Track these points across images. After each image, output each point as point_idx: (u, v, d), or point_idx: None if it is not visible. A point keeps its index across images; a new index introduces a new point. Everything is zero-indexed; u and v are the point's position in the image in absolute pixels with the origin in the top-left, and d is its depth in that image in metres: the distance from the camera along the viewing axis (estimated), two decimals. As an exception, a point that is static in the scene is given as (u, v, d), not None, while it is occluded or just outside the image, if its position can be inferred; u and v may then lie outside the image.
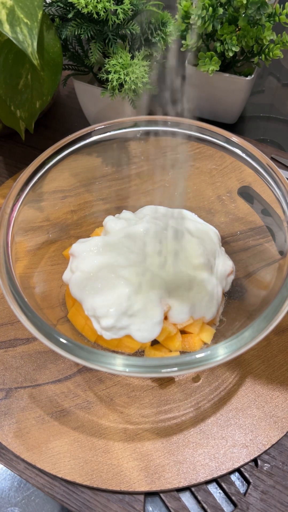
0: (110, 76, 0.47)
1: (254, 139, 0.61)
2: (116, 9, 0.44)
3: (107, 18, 0.45)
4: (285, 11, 0.50)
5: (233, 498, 0.38)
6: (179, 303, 0.42)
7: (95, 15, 0.44)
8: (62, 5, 0.47)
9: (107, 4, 0.43)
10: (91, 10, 0.43)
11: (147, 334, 0.41)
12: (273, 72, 0.68)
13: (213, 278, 0.44)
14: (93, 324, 0.42)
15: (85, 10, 0.43)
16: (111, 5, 0.43)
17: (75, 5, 0.44)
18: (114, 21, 0.45)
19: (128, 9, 0.45)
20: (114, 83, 0.47)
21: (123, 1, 0.45)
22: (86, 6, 0.43)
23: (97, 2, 0.43)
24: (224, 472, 0.39)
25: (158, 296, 0.41)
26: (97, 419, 0.41)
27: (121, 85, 0.48)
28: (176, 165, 0.50)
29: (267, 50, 0.52)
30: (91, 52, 0.48)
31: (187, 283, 0.42)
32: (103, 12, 0.43)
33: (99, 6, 0.43)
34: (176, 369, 0.33)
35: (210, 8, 0.48)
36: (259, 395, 0.42)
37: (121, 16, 0.45)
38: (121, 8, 0.44)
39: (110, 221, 0.47)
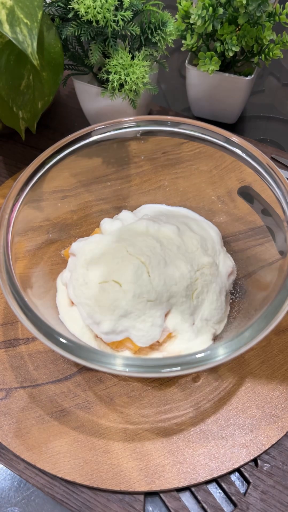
0: (111, 77, 0.47)
1: (254, 139, 0.61)
2: (116, 15, 0.44)
3: (107, 24, 0.45)
4: (285, 11, 0.50)
5: (233, 498, 0.38)
6: (180, 304, 0.42)
7: (94, 23, 0.44)
8: (62, 5, 0.47)
9: (107, 14, 0.43)
10: (91, 18, 0.43)
11: (147, 338, 0.41)
12: (273, 72, 0.68)
13: (218, 278, 0.44)
14: (92, 328, 0.42)
15: (85, 18, 0.43)
16: (111, 15, 0.43)
17: (77, 11, 0.44)
18: (114, 28, 0.45)
19: (129, 15, 0.45)
20: (115, 83, 0.47)
21: (123, 3, 0.45)
22: (86, 14, 0.43)
23: (97, 12, 0.43)
24: (224, 472, 0.39)
25: (158, 298, 0.41)
26: (97, 419, 0.41)
27: (121, 85, 0.48)
28: (175, 165, 0.50)
29: (267, 50, 0.52)
30: (91, 53, 0.48)
31: (191, 284, 0.42)
32: (103, 21, 0.43)
33: (99, 16, 0.43)
34: (176, 369, 0.33)
35: (210, 8, 0.48)
36: (259, 395, 0.42)
37: (121, 23, 0.45)
38: (121, 15, 0.44)
39: (105, 223, 0.47)
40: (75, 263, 0.44)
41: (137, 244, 0.42)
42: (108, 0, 0.43)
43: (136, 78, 0.46)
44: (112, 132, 0.45)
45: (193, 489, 0.39)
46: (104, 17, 0.43)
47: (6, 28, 0.39)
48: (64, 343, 0.34)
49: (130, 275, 0.40)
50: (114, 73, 0.47)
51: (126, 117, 0.45)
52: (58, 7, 0.47)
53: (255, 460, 0.40)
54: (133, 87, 0.47)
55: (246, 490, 0.39)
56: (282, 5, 0.50)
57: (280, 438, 0.40)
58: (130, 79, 0.46)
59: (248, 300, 0.44)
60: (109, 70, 0.47)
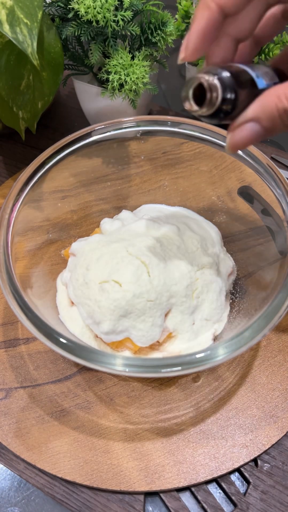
0: (111, 77, 0.47)
1: (254, 139, 0.61)
2: (116, 15, 0.44)
3: (107, 24, 0.45)
4: (285, 11, 0.50)
5: (233, 498, 0.38)
6: (180, 304, 0.42)
7: (94, 23, 0.44)
8: (62, 5, 0.47)
9: (107, 14, 0.43)
10: (91, 18, 0.43)
11: (147, 338, 0.41)
12: (273, 72, 0.68)
13: (218, 278, 0.44)
14: (92, 328, 0.42)
15: (85, 18, 0.43)
16: (111, 15, 0.43)
17: (77, 11, 0.44)
18: (114, 28, 0.45)
19: (129, 15, 0.45)
20: (115, 83, 0.47)
21: (123, 3, 0.45)
22: (86, 14, 0.43)
23: (97, 12, 0.43)
24: (224, 472, 0.39)
25: (158, 298, 0.41)
26: (97, 419, 0.41)
27: (121, 85, 0.48)
28: (175, 165, 0.50)
29: (267, 50, 0.52)
30: (91, 53, 0.48)
31: (191, 284, 0.42)
32: (103, 21, 0.43)
33: (99, 16, 0.43)
34: (176, 369, 0.33)
35: (210, 8, 0.48)
36: (259, 395, 0.42)
37: (121, 23, 0.45)
38: (121, 15, 0.44)
39: (105, 223, 0.47)
40: (75, 263, 0.44)
41: (137, 244, 0.42)
42: (108, 0, 0.43)
43: (136, 78, 0.46)
44: (112, 132, 0.45)
45: (193, 489, 0.39)
46: (104, 17, 0.43)
47: (6, 28, 0.39)
48: (64, 343, 0.34)
49: (130, 275, 0.40)
50: (114, 73, 0.47)
51: (126, 117, 0.45)
52: (58, 7, 0.47)
53: (255, 460, 0.40)
54: (133, 87, 0.47)
55: (246, 490, 0.39)
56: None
57: (280, 438, 0.40)
58: (130, 79, 0.46)
59: (248, 300, 0.44)
60: (109, 70, 0.47)
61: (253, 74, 0.27)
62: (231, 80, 0.26)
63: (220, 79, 0.25)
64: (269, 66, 0.30)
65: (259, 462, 0.40)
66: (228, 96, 0.25)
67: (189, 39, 0.27)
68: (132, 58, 0.49)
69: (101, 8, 0.43)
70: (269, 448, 0.40)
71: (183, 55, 0.28)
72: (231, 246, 0.48)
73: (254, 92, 0.27)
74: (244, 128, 0.26)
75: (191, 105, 0.27)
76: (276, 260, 0.40)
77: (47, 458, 0.39)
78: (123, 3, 0.45)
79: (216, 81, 0.25)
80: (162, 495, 0.38)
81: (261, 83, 0.27)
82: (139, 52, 0.49)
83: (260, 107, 0.26)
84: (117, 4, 0.45)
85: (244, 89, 0.26)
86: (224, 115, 0.26)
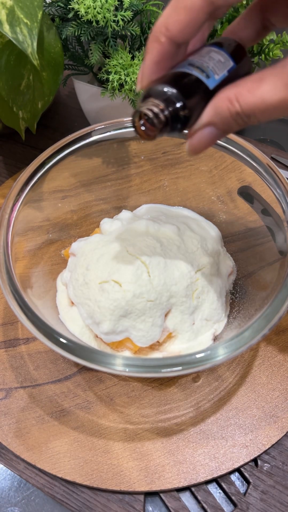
0: (111, 77, 0.47)
1: (254, 139, 0.61)
2: (116, 15, 0.44)
3: (107, 24, 0.45)
4: (285, 11, 0.50)
5: (233, 498, 0.38)
6: (180, 304, 0.42)
7: (94, 23, 0.44)
8: (62, 5, 0.47)
9: (107, 15, 0.43)
10: (91, 18, 0.43)
11: (147, 338, 0.41)
12: (273, 72, 0.68)
13: (218, 278, 0.44)
14: (92, 328, 0.42)
15: (85, 18, 0.43)
16: (111, 15, 0.43)
17: (77, 11, 0.44)
18: (114, 28, 0.45)
19: (129, 15, 0.45)
20: (115, 83, 0.47)
21: (123, 3, 0.45)
22: (86, 14, 0.43)
23: (97, 12, 0.43)
24: (224, 472, 0.39)
25: (158, 298, 0.41)
26: (97, 419, 0.41)
27: (121, 85, 0.48)
28: (175, 165, 0.50)
29: (267, 50, 0.52)
30: (91, 53, 0.48)
31: (191, 284, 0.42)
32: (103, 21, 0.43)
33: (99, 16, 0.43)
34: (176, 369, 0.33)
35: (210, 8, 0.48)
36: (259, 395, 0.42)
37: (121, 23, 0.45)
38: (121, 15, 0.44)
39: (105, 223, 0.47)
40: (75, 263, 0.44)
41: (137, 244, 0.42)
42: (108, 0, 0.43)
43: (136, 78, 0.46)
44: (112, 132, 0.45)
45: (193, 489, 0.39)
46: (104, 17, 0.43)
47: (6, 28, 0.39)
48: (64, 343, 0.34)
49: (130, 275, 0.40)
50: (114, 73, 0.47)
51: (126, 117, 0.45)
52: (58, 7, 0.47)
53: (255, 460, 0.40)
54: (133, 87, 0.47)
55: (246, 490, 0.39)
56: (282, 5, 0.50)
57: (280, 438, 0.40)
58: (130, 79, 0.46)
59: (248, 300, 0.44)
60: (109, 70, 0.47)
61: (201, 76, 0.26)
62: (177, 94, 0.24)
63: (165, 100, 0.24)
64: (222, 44, 0.28)
65: (259, 462, 0.40)
66: (178, 110, 0.25)
67: (143, 72, 0.28)
68: (132, 58, 0.49)
69: (101, 8, 0.43)
70: (269, 448, 0.40)
71: (139, 86, 0.28)
72: (231, 246, 0.48)
73: (207, 92, 0.26)
74: (201, 133, 0.27)
75: (145, 137, 0.26)
76: (276, 260, 0.40)
77: (47, 458, 0.39)
78: (123, 3, 0.45)
79: (160, 104, 0.24)
80: (162, 495, 0.38)
81: (212, 82, 0.26)
82: (139, 52, 0.49)
83: (214, 111, 0.26)
84: (117, 4, 0.45)
85: (195, 96, 0.25)
86: (182, 126, 0.26)
